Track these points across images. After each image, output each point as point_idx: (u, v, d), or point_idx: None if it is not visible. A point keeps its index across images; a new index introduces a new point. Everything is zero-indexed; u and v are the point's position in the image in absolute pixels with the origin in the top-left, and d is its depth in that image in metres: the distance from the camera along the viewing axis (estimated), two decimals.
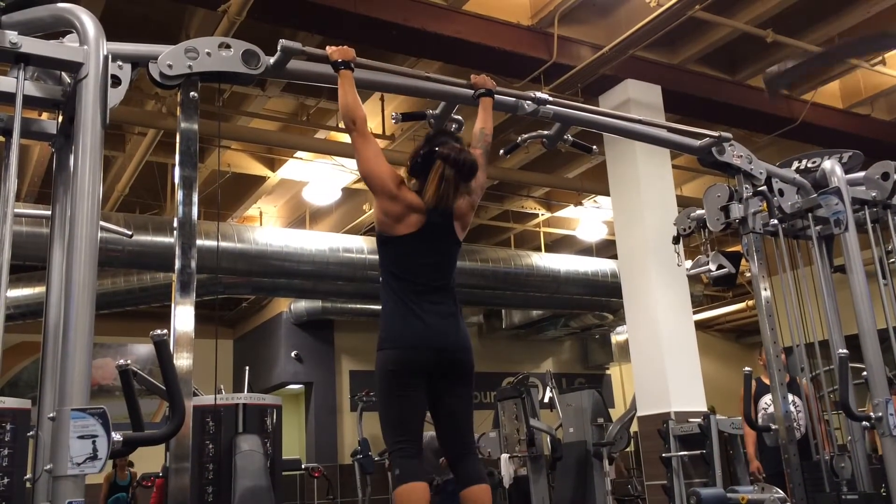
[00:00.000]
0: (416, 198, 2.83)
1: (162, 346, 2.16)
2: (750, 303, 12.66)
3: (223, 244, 8.19)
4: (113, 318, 10.13)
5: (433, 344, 2.73)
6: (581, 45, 6.89)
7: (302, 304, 11.86)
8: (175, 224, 2.66)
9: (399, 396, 2.72)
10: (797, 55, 6.92)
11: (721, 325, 14.77)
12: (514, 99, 3.41)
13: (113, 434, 2.00)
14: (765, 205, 3.95)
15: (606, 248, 11.47)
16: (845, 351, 3.75)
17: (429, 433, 2.93)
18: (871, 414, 3.72)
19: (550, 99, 3.45)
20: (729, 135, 3.88)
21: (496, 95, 3.26)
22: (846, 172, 4.21)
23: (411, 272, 2.80)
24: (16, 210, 2.30)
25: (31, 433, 2.36)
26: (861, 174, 4.28)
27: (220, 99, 7.06)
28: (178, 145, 2.71)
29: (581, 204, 10.13)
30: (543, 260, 10.27)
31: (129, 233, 5.52)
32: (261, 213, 10.68)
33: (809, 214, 3.99)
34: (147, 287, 9.08)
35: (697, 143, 3.91)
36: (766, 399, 5.65)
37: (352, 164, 8.66)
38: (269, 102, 7.78)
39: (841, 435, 4.49)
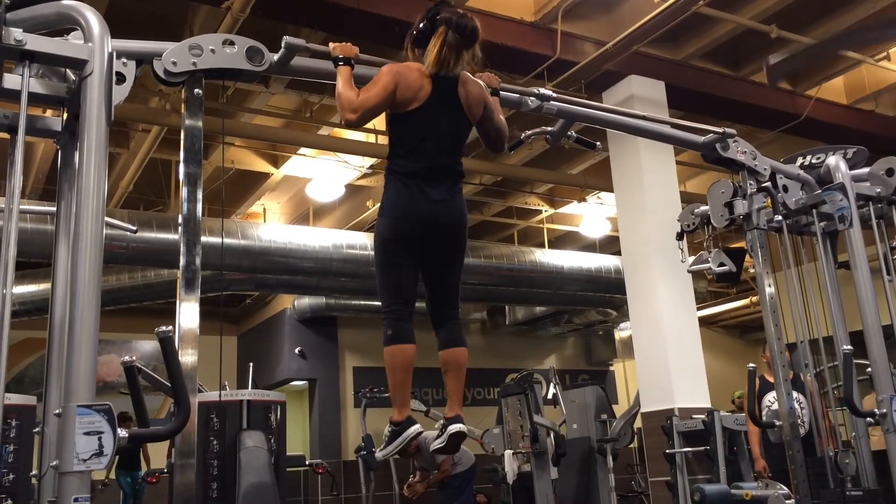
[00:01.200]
0: (418, 75, 2.82)
1: (167, 343, 2.17)
2: (754, 299, 12.64)
3: (227, 241, 8.20)
4: (118, 315, 10.16)
5: (429, 216, 2.80)
6: (585, 41, 6.88)
7: (305, 301, 11.87)
8: (179, 221, 2.66)
9: (394, 263, 2.84)
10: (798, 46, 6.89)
11: (725, 321, 14.75)
12: (517, 95, 3.41)
13: (118, 430, 2.01)
14: (769, 201, 3.94)
15: (610, 245, 11.47)
16: (849, 347, 3.75)
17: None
18: (876, 410, 3.72)
19: (554, 95, 3.44)
20: (733, 131, 3.87)
21: (501, 92, 3.26)
22: (850, 168, 4.21)
23: (416, 149, 2.83)
24: (21, 207, 2.30)
25: (36, 429, 2.37)
26: (865, 170, 4.27)
27: (223, 95, 7.06)
28: (182, 142, 2.72)
29: (585, 200, 10.12)
30: (547, 256, 10.26)
31: (134, 228, 5.54)
32: (264, 210, 10.69)
33: (814, 210, 3.99)
34: (152, 284, 9.10)
35: (701, 139, 3.91)
36: (770, 396, 5.65)
37: (355, 160, 8.67)
38: (272, 99, 7.78)
39: (845, 431, 4.49)
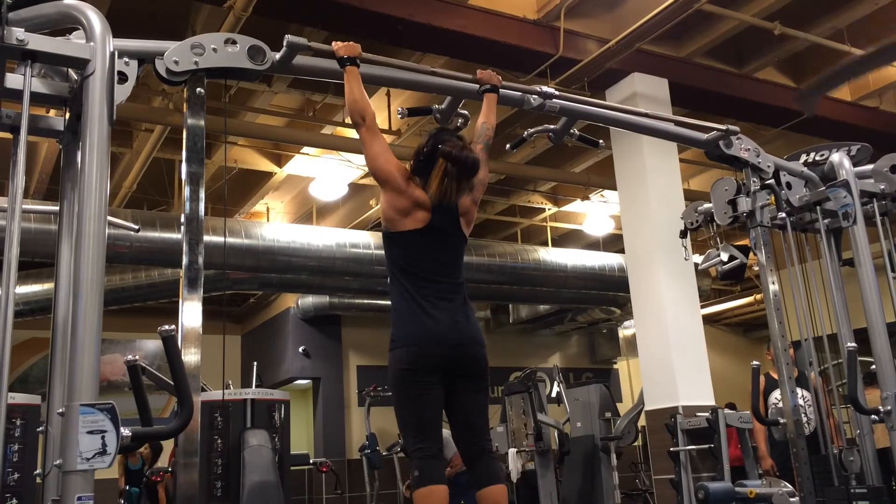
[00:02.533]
0: (422, 193, 2.84)
1: (170, 342, 2.17)
2: (758, 297, 12.62)
3: (230, 240, 8.20)
4: (121, 314, 10.18)
5: (445, 340, 2.72)
6: (587, 39, 6.87)
7: (309, 300, 11.88)
8: (182, 220, 2.66)
9: (415, 396, 2.70)
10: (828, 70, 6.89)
11: (729, 319, 14.73)
12: (520, 93, 3.40)
13: (122, 429, 2.01)
14: (772, 198, 3.94)
15: (613, 243, 11.46)
16: (854, 344, 3.74)
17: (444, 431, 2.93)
18: (880, 407, 3.72)
19: (557, 93, 3.44)
20: (736, 128, 3.87)
21: (502, 90, 3.26)
22: (854, 165, 4.20)
23: (419, 267, 2.80)
24: (24, 206, 2.31)
25: (40, 428, 2.38)
26: (869, 167, 4.26)
27: (226, 95, 7.06)
28: (184, 141, 2.72)
29: (588, 198, 10.11)
30: (550, 254, 10.25)
31: (136, 227, 5.54)
32: (268, 209, 10.70)
33: (818, 208, 3.98)
34: (155, 283, 9.11)
35: (705, 136, 3.90)
36: (776, 394, 5.64)
37: (358, 159, 8.66)
38: (275, 98, 7.78)
39: (850, 429, 4.48)
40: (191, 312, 2.58)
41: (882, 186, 4.15)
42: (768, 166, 3.93)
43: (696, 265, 5.97)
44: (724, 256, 4.31)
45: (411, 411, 2.71)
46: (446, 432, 2.92)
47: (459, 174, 2.81)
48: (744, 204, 3.90)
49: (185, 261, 2.60)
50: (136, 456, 8.96)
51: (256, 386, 6.37)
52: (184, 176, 2.69)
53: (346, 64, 2.88)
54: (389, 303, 2.91)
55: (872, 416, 3.79)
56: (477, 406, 2.82)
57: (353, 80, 2.85)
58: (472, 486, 2.77)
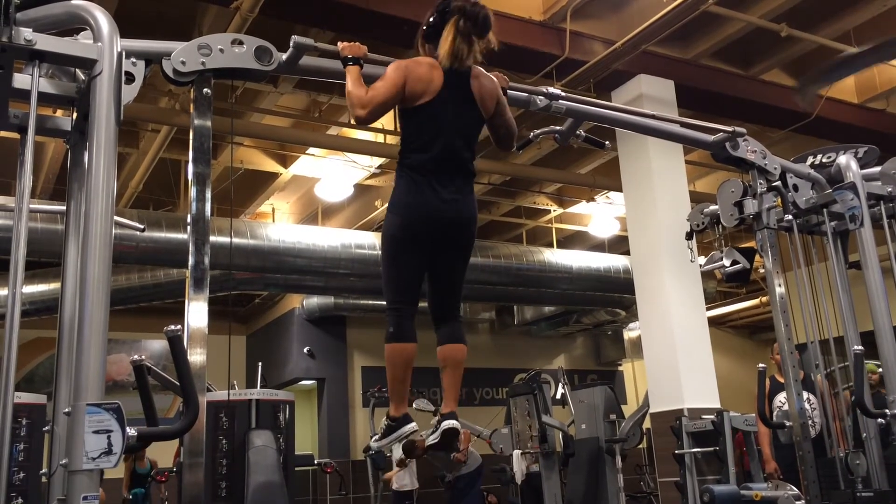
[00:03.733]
0: (430, 70, 2.80)
1: (176, 342, 2.17)
2: (764, 299, 12.59)
3: (236, 240, 8.22)
4: (127, 314, 10.20)
5: (440, 215, 2.77)
6: (593, 41, 6.87)
7: (314, 301, 11.89)
8: (188, 220, 2.67)
9: (400, 260, 2.82)
10: (827, 62, 6.85)
11: (734, 321, 14.69)
12: (526, 94, 3.39)
13: (127, 429, 2.02)
14: (779, 200, 3.92)
15: (619, 244, 11.44)
16: (860, 347, 3.72)
17: None
18: (887, 411, 3.70)
19: (563, 94, 3.43)
20: (743, 130, 3.85)
21: (509, 91, 3.25)
22: (861, 167, 4.18)
23: (428, 143, 2.80)
24: (31, 206, 2.31)
25: (46, 428, 2.38)
26: (876, 169, 4.24)
27: (232, 95, 7.08)
28: (191, 142, 2.72)
29: (593, 200, 10.10)
30: (556, 256, 10.24)
31: (142, 226, 5.56)
32: (273, 210, 10.71)
33: (824, 210, 3.97)
34: (161, 283, 9.13)
35: (711, 138, 3.89)
36: (781, 397, 5.62)
37: (363, 160, 8.68)
38: (281, 99, 7.80)
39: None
40: (196, 312, 2.58)
41: (889, 189, 4.13)
42: (775, 168, 3.92)
43: (701, 267, 5.95)
44: (727, 261, 4.29)
45: (396, 273, 2.84)
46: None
47: (472, 29, 2.79)
48: (750, 206, 3.88)
49: (191, 261, 2.60)
50: (143, 460, 8.98)
51: (261, 386, 6.38)
52: (190, 176, 2.69)
53: (349, 63, 2.87)
54: None
55: (879, 419, 3.78)
56: (457, 274, 2.94)
57: (352, 78, 2.83)
58: (438, 344, 2.91)
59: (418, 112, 2.81)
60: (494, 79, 3.00)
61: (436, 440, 2.85)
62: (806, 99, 6.80)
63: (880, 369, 4.08)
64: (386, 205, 2.99)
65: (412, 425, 2.86)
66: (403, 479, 8.04)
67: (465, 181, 2.86)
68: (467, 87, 2.86)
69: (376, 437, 2.94)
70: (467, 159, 2.87)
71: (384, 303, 2.87)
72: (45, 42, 2.31)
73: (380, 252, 2.93)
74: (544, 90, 3.39)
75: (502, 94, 3.02)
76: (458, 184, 2.82)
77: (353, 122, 7.60)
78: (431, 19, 2.87)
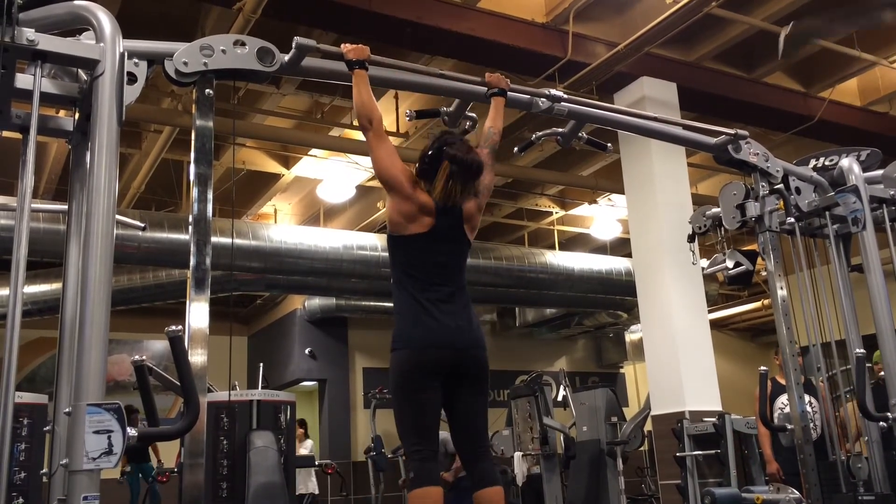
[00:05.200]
0: (428, 198, 2.83)
1: (176, 342, 2.17)
2: (766, 302, 12.58)
3: (238, 241, 8.22)
4: (129, 315, 10.21)
5: (447, 342, 2.71)
6: (596, 43, 6.87)
7: (316, 302, 11.89)
8: (190, 221, 2.67)
9: (414, 397, 2.70)
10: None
11: (736, 324, 14.68)
12: (528, 96, 3.40)
13: (128, 429, 2.02)
14: (781, 203, 3.92)
15: (621, 247, 11.43)
16: (862, 350, 3.72)
17: (443, 432, 2.94)
18: (889, 414, 3.69)
19: (565, 96, 3.43)
20: (745, 132, 3.85)
21: (510, 93, 3.25)
22: (864, 170, 4.17)
23: (423, 271, 2.79)
24: (33, 206, 2.32)
25: (47, 428, 2.38)
26: (879, 172, 4.24)
27: (235, 97, 7.09)
28: (192, 142, 2.72)
29: (595, 202, 10.09)
30: (557, 258, 10.24)
31: (143, 225, 5.55)
32: (275, 211, 10.72)
33: (827, 213, 3.96)
34: (163, 284, 9.14)
35: (713, 140, 3.89)
36: (783, 399, 5.61)
37: (366, 161, 8.67)
38: (283, 100, 7.80)
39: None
40: (198, 313, 2.58)
41: (892, 192, 4.12)
42: (777, 171, 3.92)
43: (704, 269, 5.95)
44: (730, 263, 4.29)
45: (410, 412, 2.72)
46: (445, 434, 2.93)
47: (464, 176, 2.82)
48: (752, 209, 3.88)
49: (192, 262, 2.61)
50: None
51: (262, 387, 6.37)
52: (192, 177, 2.69)
53: (355, 67, 2.88)
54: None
55: (881, 423, 3.77)
56: (476, 409, 2.83)
57: (361, 83, 2.85)
58: (471, 489, 2.77)
59: (409, 242, 2.82)
60: (477, 192, 2.95)
61: None
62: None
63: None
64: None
65: None
66: None
67: (465, 304, 2.84)
68: (459, 223, 2.88)
69: None
70: (461, 284, 2.87)
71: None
72: (48, 42, 2.32)
73: (391, 390, 2.79)
74: (546, 92, 3.39)
75: (484, 195, 3.00)
76: (459, 308, 2.79)
77: (355, 123, 7.61)
78: (429, 153, 2.87)
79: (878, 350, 3.98)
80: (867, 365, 4.02)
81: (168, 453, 9.06)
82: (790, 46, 6.61)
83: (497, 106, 3.17)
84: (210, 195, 2.69)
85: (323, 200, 9.89)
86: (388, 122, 7.94)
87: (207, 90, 2.76)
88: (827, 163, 4.29)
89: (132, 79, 2.46)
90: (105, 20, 2.37)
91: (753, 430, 6.26)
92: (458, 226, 2.88)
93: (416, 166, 2.92)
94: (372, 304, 11.49)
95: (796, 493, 3.82)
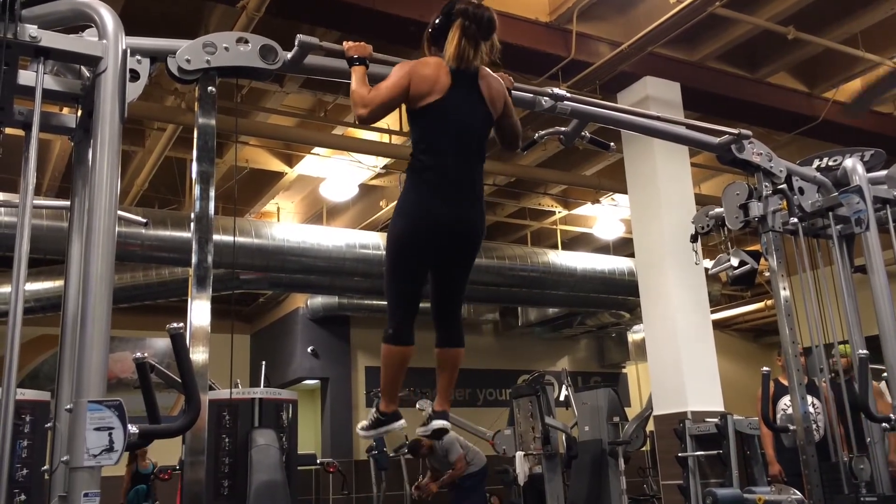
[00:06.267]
0: (439, 60, 2.81)
1: (178, 339, 2.17)
2: (768, 302, 12.55)
3: (241, 239, 8.22)
4: (132, 313, 10.21)
5: (448, 221, 2.76)
6: (600, 42, 6.86)
7: (318, 300, 11.89)
8: (192, 219, 2.67)
9: (404, 264, 2.82)
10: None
11: (739, 324, 14.66)
12: (531, 95, 3.39)
13: (129, 426, 2.02)
14: (784, 203, 3.91)
15: (624, 247, 11.42)
16: (866, 352, 3.71)
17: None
18: (892, 415, 3.68)
19: (568, 95, 3.43)
20: (748, 132, 3.84)
21: (514, 91, 3.25)
22: (868, 171, 4.17)
23: (438, 144, 2.79)
24: (35, 202, 2.32)
25: (49, 425, 2.39)
26: (883, 173, 4.23)
27: (238, 95, 7.09)
28: (195, 140, 2.72)
29: (598, 202, 10.08)
30: (560, 258, 10.23)
31: (144, 220, 5.55)
32: (278, 209, 10.72)
33: (830, 213, 3.95)
34: (166, 281, 9.14)
35: (716, 140, 3.88)
36: (786, 400, 5.60)
37: (369, 160, 8.68)
38: (286, 98, 7.80)
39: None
40: (199, 311, 2.58)
41: (895, 192, 4.12)
42: (780, 171, 3.90)
43: (707, 270, 5.94)
44: (735, 261, 4.28)
45: (399, 276, 2.84)
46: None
47: (476, 31, 2.79)
48: (755, 209, 3.87)
49: (194, 259, 2.60)
50: (146, 461, 9.00)
51: (264, 385, 6.38)
52: (194, 175, 2.69)
53: (355, 63, 2.87)
54: None
55: (884, 423, 3.76)
56: (459, 281, 2.95)
57: (357, 78, 2.83)
58: (437, 345, 2.95)
59: (426, 112, 2.79)
60: (501, 80, 3.01)
61: (426, 433, 2.99)
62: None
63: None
64: (392, 205, 2.98)
65: (401, 422, 2.95)
66: None
67: (473, 187, 2.84)
68: (476, 87, 2.85)
69: (363, 424, 3.01)
70: (477, 160, 2.86)
71: (386, 302, 2.87)
72: (50, 39, 2.32)
73: (384, 253, 2.94)
74: (549, 91, 3.39)
75: (508, 95, 3.02)
76: (465, 191, 2.80)
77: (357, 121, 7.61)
78: (437, 21, 2.87)
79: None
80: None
81: (168, 451, 9.09)
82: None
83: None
84: (212, 193, 2.69)
85: (326, 199, 9.89)
86: (391, 120, 7.94)
87: (210, 88, 2.76)
88: (831, 163, 4.28)
89: (135, 76, 2.46)
90: (108, 17, 2.38)
91: (755, 431, 6.26)
92: (474, 87, 2.84)
93: (428, 33, 2.91)
94: (374, 302, 11.49)
95: (798, 494, 3.82)
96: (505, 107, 2.96)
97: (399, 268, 2.84)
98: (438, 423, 2.94)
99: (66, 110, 2.78)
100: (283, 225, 9.49)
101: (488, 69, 2.94)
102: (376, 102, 2.75)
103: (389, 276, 2.87)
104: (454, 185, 2.78)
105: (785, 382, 5.10)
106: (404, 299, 2.84)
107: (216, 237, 2.69)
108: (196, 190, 2.68)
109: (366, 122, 2.85)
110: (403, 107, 2.87)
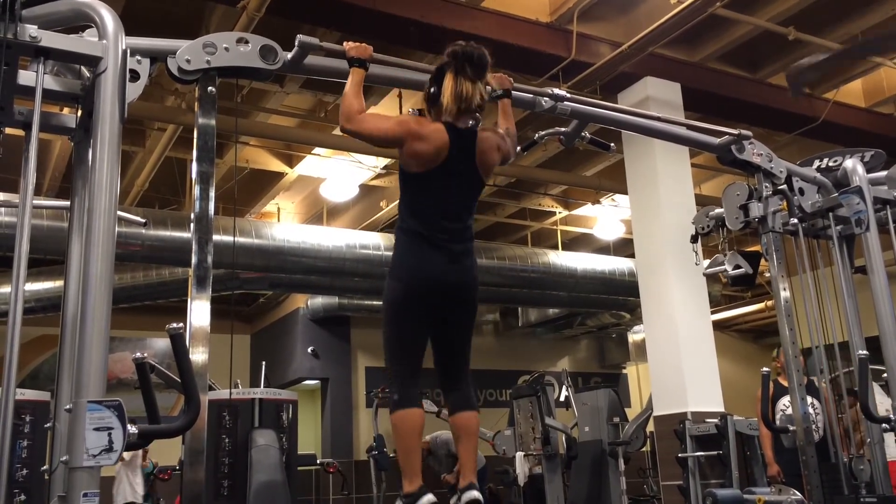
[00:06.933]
0: (438, 125, 2.77)
1: (177, 339, 2.17)
2: (769, 303, 12.54)
3: (241, 240, 8.22)
4: (132, 313, 10.21)
5: (443, 278, 2.74)
6: (600, 43, 6.86)
7: (319, 301, 11.89)
8: (192, 219, 2.67)
9: (403, 326, 2.77)
10: (819, 52, 6.84)
11: (739, 325, 14.66)
12: (531, 95, 3.39)
13: (128, 426, 2.02)
14: (785, 204, 3.91)
15: (624, 247, 11.42)
16: (866, 352, 3.70)
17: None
18: (892, 416, 3.68)
19: (568, 95, 3.42)
20: (749, 133, 3.84)
21: (514, 92, 3.24)
22: (868, 172, 4.17)
23: (430, 206, 2.78)
24: (35, 202, 2.32)
25: (48, 424, 2.39)
26: (883, 173, 4.23)
27: (239, 95, 7.09)
28: (195, 140, 2.72)
29: (599, 202, 10.08)
30: (560, 258, 10.23)
31: (143, 220, 5.55)
32: (278, 209, 10.72)
33: (830, 214, 3.95)
34: (166, 282, 9.14)
35: (717, 140, 3.88)
36: (785, 400, 5.60)
37: (369, 160, 8.68)
38: (287, 99, 7.80)
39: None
40: (199, 311, 2.58)
41: (895, 193, 4.11)
42: (781, 171, 3.90)
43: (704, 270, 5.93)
44: (729, 267, 4.28)
45: (398, 338, 2.78)
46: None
47: (470, 68, 2.75)
48: (756, 209, 3.87)
49: (193, 259, 2.60)
50: (146, 460, 9.01)
51: (264, 386, 6.38)
52: (194, 175, 2.69)
53: (354, 65, 2.86)
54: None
55: (883, 424, 3.76)
56: (461, 340, 2.88)
57: (354, 81, 2.82)
58: (449, 413, 2.86)
59: (420, 179, 2.78)
60: (500, 131, 2.96)
61: None
62: (795, 90, 6.72)
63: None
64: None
65: (429, 497, 2.67)
66: None
67: (465, 246, 2.82)
68: (472, 153, 2.82)
69: None
70: (467, 226, 2.85)
71: (387, 369, 2.80)
72: (50, 39, 2.32)
73: (382, 315, 2.85)
74: (549, 91, 3.39)
75: (506, 138, 2.97)
76: (457, 249, 2.78)
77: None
78: (430, 81, 2.85)
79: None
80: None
81: (168, 451, 9.09)
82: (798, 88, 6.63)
83: (505, 109, 3.14)
84: (212, 193, 2.69)
85: (326, 199, 9.89)
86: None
87: (210, 88, 2.76)
88: (831, 164, 4.28)
89: (135, 76, 2.46)
90: (108, 17, 2.38)
91: (755, 432, 6.25)
92: (471, 156, 2.81)
93: (424, 98, 2.88)
94: (375, 303, 11.48)
95: (798, 495, 3.82)
96: (500, 152, 2.93)
97: (397, 331, 2.78)
98: (469, 496, 2.70)
99: (66, 110, 2.78)
100: (283, 225, 9.49)
101: (487, 134, 2.88)
102: (361, 128, 2.75)
103: (389, 342, 2.81)
104: (445, 245, 2.75)
105: (784, 383, 5.10)
106: (406, 363, 2.77)
107: (216, 237, 2.69)
108: (196, 190, 2.68)
109: (345, 132, 2.82)
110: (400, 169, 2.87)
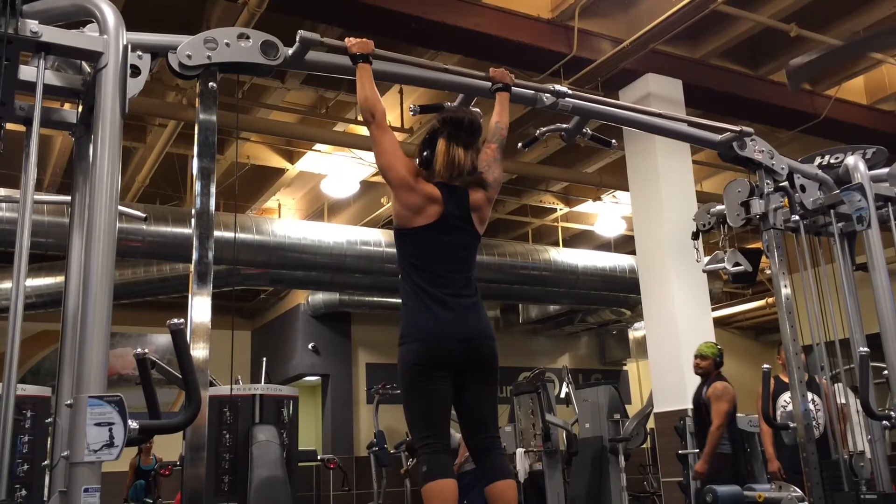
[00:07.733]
0: (433, 188, 2.80)
1: (178, 335, 2.17)
2: (770, 300, 12.55)
3: (242, 236, 8.23)
4: (134, 309, 10.22)
5: (456, 334, 2.67)
6: (601, 39, 6.85)
7: (319, 297, 11.90)
8: (193, 215, 2.67)
9: (424, 390, 2.66)
10: (820, 47, 6.83)
11: (740, 322, 14.66)
12: (532, 92, 3.38)
13: (129, 422, 2.02)
14: (786, 201, 3.90)
15: (625, 244, 11.42)
16: (866, 349, 3.70)
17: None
18: (892, 413, 3.68)
19: (569, 92, 3.42)
20: (750, 129, 3.83)
21: (515, 88, 3.24)
22: (870, 168, 4.16)
23: (431, 263, 2.76)
24: (36, 197, 2.32)
25: (49, 420, 2.39)
26: (885, 170, 4.22)
27: (239, 91, 7.08)
28: (196, 136, 2.72)
29: (600, 199, 10.08)
30: (561, 255, 10.23)
31: (144, 215, 5.56)
32: (279, 206, 10.72)
33: (832, 211, 3.94)
34: (167, 277, 9.15)
35: (718, 137, 3.87)
36: (785, 397, 5.60)
37: (370, 156, 8.67)
38: (288, 95, 7.80)
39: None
40: (200, 307, 2.57)
41: None
42: (782, 168, 3.90)
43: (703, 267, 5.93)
44: (729, 264, 4.28)
45: (420, 406, 2.68)
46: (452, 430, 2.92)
47: (462, 134, 2.78)
48: (757, 206, 3.86)
49: (194, 255, 2.60)
50: (149, 456, 9.02)
51: (265, 382, 6.39)
52: (195, 171, 2.69)
53: (359, 61, 2.87)
54: (400, 300, 2.87)
55: (884, 421, 3.76)
56: (486, 400, 2.78)
57: (364, 77, 2.84)
58: (479, 482, 2.74)
59: (415, 235, 2.78)
60: (486, 192, 2.92)
61: None
62: (794, 84, 6.71)
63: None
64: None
65: None
66: None
67: (473, 300, 2.78)
68: (466, 211, 2.82)
69: None
70: (470, 276, 2.82)
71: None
72: (51, 34, 2.32)
73: (400, 383, 2.73)
74: (551, 88, 3.38)
75: (494, 188, 2.96)
76: (466, 303, 2.74)
77: (359, 118, 7.62)
78: (424, 144, 2.87)
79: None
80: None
81: (169, 447, 9.11)
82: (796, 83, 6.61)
83: (502, 101, 3.15)
84: (213, 189, 2.68)
85: (327, 195, 9.90)
86: (393, 118, 7.93)
87: (211, 83, 2.75)
88: (832, 161, 4.28)
89: (135, 71, 2.45)
90: (109, 12, 2.37)
91: (755, 428, 6.25)
92: (466, 213, 2.82)
93: (420, 157, 2.90)
94: (375, 299, 11.50)
95: (798, 492, 3.82)
96: (490, 204, 2.93)
97: (417, 392, 2.67)
98: None
99: (67, 106, 2.78)
100: (284, 221, 9.49)
101: (479, 192, 2.88)
102: (382, 136, 2.80)
103: (410, 405, 2.70)
104: (452, 300, 2.71)
105: (785, 379, 5.10)
106: (433, 430, 2.64)
107: (217, 233, 2.69)
108: (197, 186, 2.68)
109: (366, 124, 2.86)
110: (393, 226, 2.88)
